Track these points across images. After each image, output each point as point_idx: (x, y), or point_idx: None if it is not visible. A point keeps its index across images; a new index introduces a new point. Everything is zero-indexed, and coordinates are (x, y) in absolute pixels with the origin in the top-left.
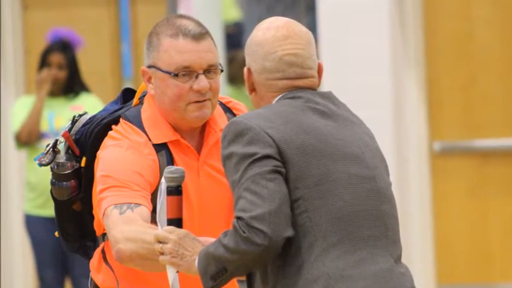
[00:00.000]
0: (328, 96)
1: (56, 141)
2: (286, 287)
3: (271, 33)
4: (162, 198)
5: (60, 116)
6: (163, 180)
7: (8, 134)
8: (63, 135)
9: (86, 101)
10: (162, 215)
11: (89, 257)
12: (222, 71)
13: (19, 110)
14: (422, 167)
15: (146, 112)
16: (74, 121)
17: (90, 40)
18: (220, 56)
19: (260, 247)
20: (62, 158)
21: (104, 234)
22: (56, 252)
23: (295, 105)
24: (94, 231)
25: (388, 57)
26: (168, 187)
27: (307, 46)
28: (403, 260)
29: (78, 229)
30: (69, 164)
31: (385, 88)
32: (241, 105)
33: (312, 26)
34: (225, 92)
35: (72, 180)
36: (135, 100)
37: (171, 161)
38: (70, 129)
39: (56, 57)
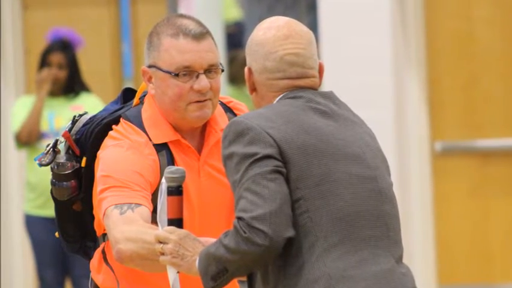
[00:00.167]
0: (329, 96)
1: (56, 141)
2: (287, 287)
3: (272, 32)
4: (162, 198)
5: (61, 116)
6: (163, 180)
7: (8, 134)
8: (63, 135)
9: (86, 100)
10: (162, 215)
11: (89, 257)
12: (222, 70)
13: (19, 110)
14: (423, 167)
15: (147, 112)
16: (74, 121)
17: (91, 40)
18: (220, 56)
19: (261, 247)
20: (62, 158)
21: (105, 235)
22: (56, 252)
23: (296, 105)
24: (94, 232)
25: (389, 57)
26: (168, 187)
27: (308, 46)
28: (404, 260)
29: (79, 229)
30: (69, 164)
31: (386, 88)
32: (242, 105)
33: (313, 26)
34: (226, 92)
35: (73, 180)
36: (135, 100)
37: (171, 161)
38: (70, 129)
39: (56, 57)
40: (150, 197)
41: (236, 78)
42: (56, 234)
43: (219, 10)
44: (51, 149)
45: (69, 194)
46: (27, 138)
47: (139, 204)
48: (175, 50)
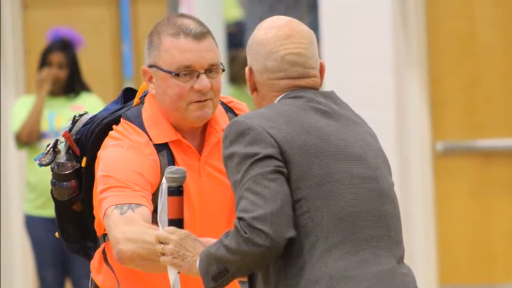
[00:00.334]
0: (330, 96)
1: (57, 141)
2: (288, 287)
3: (273, 32)
4: (163, 198)
5: (61, 116)
6: (164, 180)
7: (8, 134)
8: (63, 135)
9: (86, 100)
10: (163, 215)
11: (89, 257)
12: (223, 70)
13: (19, 109)
14: (424, 167)
15: (147, 112)
16: (74, 121)
17: (91, 39)
18: (221, 56)
19: (262, 248)
20: (62, 158)
21: (105, 235)
22: (56, 252)
23: (297, 105)
24: (94, 232)
25: (391, 56)
26: (169, 187)
27: (309, 45)
28: (405, 260)
29: (79, 230)
30: (69, 164)
31: (387, 88)
32: (243, 105)
33: (314, 26)
34: (227, 92)
35: (73, 181)
36: (136, 100)
37: (172, 161)
38: (70, 129)
39: (57, 57)
40: (150, 197)
41: (237, 78)
42: (56, 234)
43: (219, 10)
44: (52, 149)
45: (70, 194)
46: (28, 138)
47: (140, 205)
48: (176, 50)
